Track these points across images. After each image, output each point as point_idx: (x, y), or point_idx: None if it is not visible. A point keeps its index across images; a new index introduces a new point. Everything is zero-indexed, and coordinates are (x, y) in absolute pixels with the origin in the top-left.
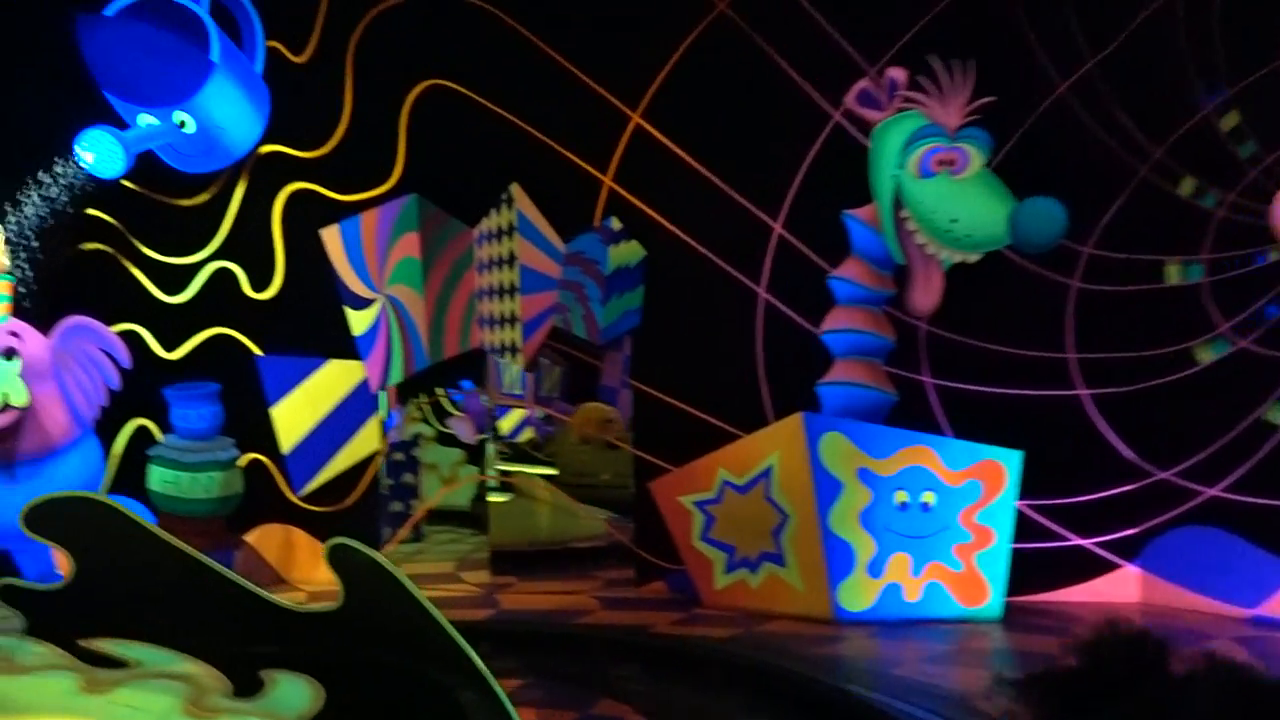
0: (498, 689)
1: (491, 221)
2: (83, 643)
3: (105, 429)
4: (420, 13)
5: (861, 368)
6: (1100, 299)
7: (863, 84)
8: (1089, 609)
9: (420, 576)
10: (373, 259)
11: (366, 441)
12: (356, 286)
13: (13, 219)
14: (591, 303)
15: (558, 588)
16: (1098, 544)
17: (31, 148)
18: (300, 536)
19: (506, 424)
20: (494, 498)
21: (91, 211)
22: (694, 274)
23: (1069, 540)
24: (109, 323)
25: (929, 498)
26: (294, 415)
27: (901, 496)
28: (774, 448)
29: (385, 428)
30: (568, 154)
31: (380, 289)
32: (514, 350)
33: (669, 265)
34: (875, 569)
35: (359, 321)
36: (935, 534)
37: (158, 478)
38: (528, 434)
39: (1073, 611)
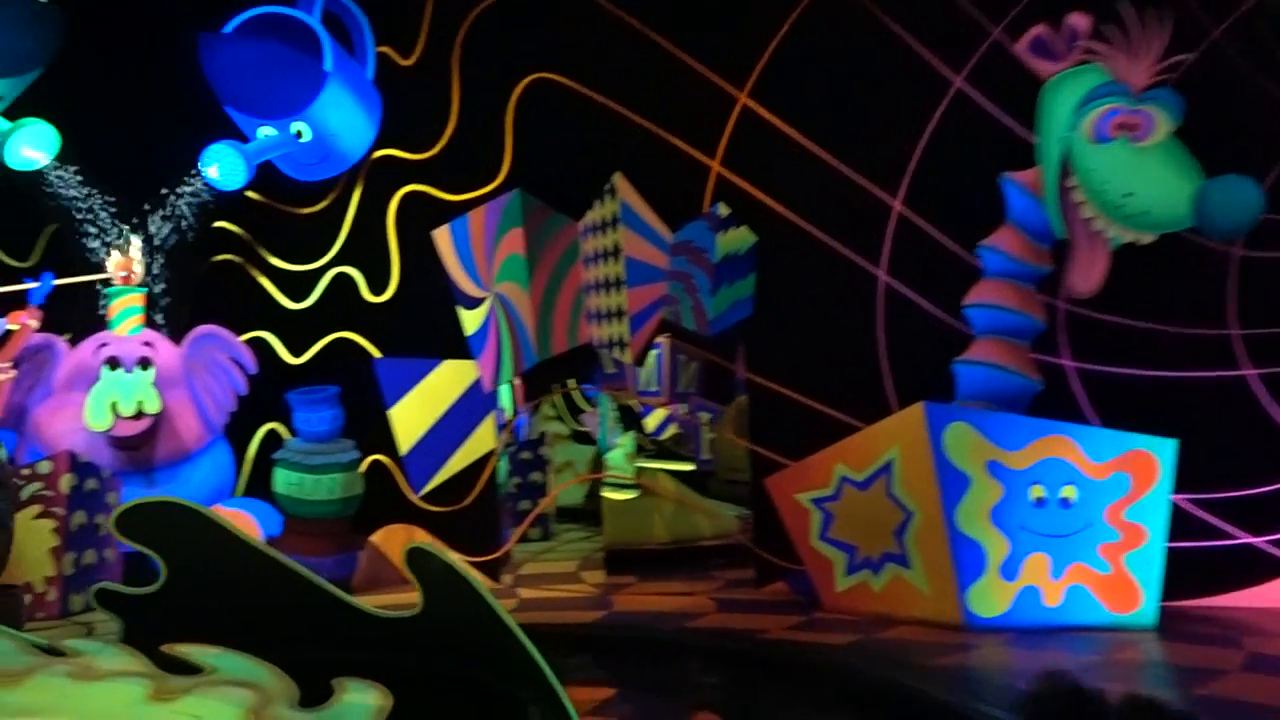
0: (567, 704)
1: (595, 214)
2: (165, 648)
3: (238, 434)
4: (522, 7)
5: (1005, 349)
6: (1267, 267)
7: (1038, 30)
8: (1259, 615)
9: (541, 576)
10: (481, 257)
11: (482, 441)
12: (467, 286)
13: (146, 235)
14: (700, 293)
15: (676, 589)
16: (1270, 542)
17: (161, 166)
18: (422, 537)
19: (651, 421)
20: (611, 494)
21: (219, 224)
22: (808, 258)
23: (1236, 538)
24: (239, 331)
25: (1069, 492)
26: (411, 416)
27: (1038, 492)
28: (894, 440)
29: (514, 426)
30: (673, 140)
31: (489, 287)
32: (622, 345)
33: (781, 250)
34: (1009, 571)
35: (471, 321)
36: (1077, 532)
37: (283, 480)
38: (672, 430)
39: (1240, 618)
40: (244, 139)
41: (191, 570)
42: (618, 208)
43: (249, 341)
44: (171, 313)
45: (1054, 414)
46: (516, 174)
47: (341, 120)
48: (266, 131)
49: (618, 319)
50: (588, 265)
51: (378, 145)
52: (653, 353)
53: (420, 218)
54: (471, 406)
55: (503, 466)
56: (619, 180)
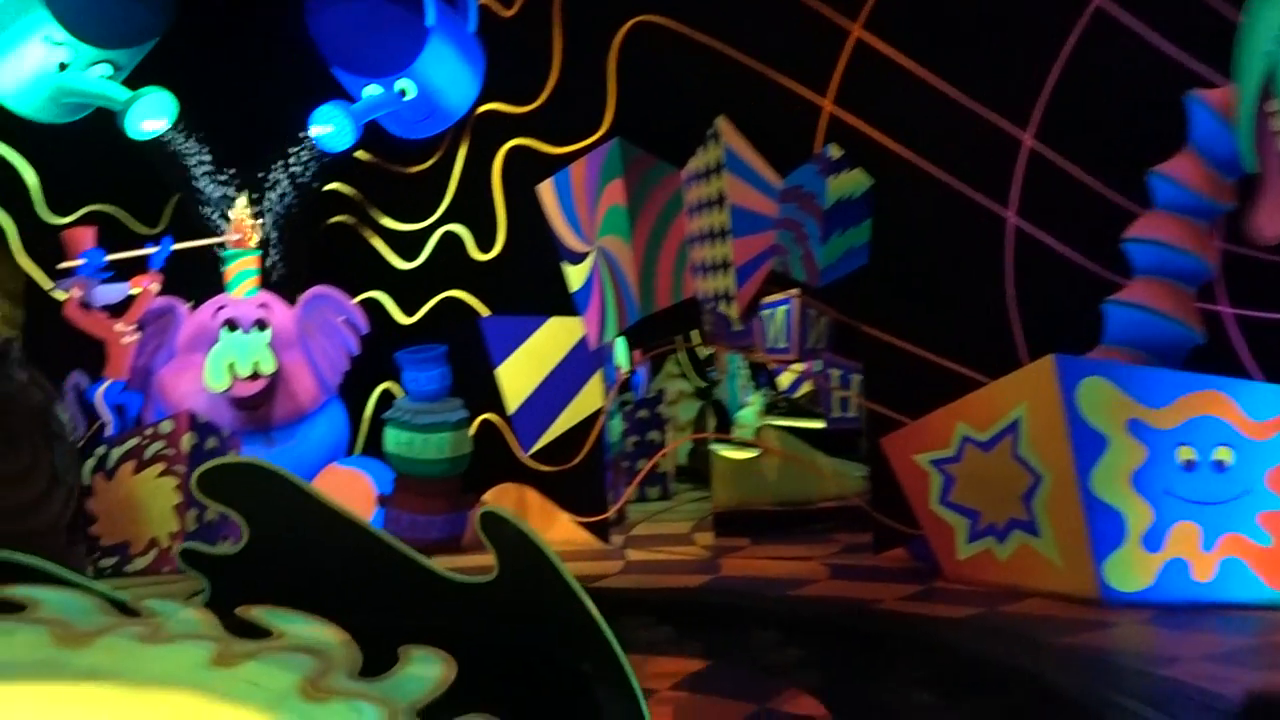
0: (633, 680)
1: (699, 160)
2: (239, 611)
3: (354, 393)
4: None
5: (1166, 292)
6: None
7: None
8: None
9: (653, 537)
10: (583, 210)
11: (590, 399)
12: (571, 240)
13: (261, 198)
14: (810, 241)
15: (789, 553)
16: None
17: (275, 130)
18: (533, 496)
19: (785, 379)
20: (729, 454)
21: (332, 186)
22: (929, 201)
23: None
24: (352, 291)
25: (1224, 455)
26: (518, 375)
27: (1186, 454)
28: (1021, 397)
29: (632, 383)
30: (782, 79)
31: (592, 241)
32: (728, 298)
33: (899, 193)
34: (1153, 541)
35: (575, 276)
36: (1234, 499)
37: (393, 439)
38: (806, 388)
39: None
40: (351, 100)
41: (274, 532)
42: (721, 153)
43: (362, 302)
44: (287, 275)
45: (1208, 367)
46: (620, 123)
47: (445, 76)
48: (372, 91)
49: (723, 271)
50: (691, 215)
51: (481, 100)
52: (781, 308)
53: (525, 172)
54: (578, 364)
55: (617, 424)
56: (722, 124)
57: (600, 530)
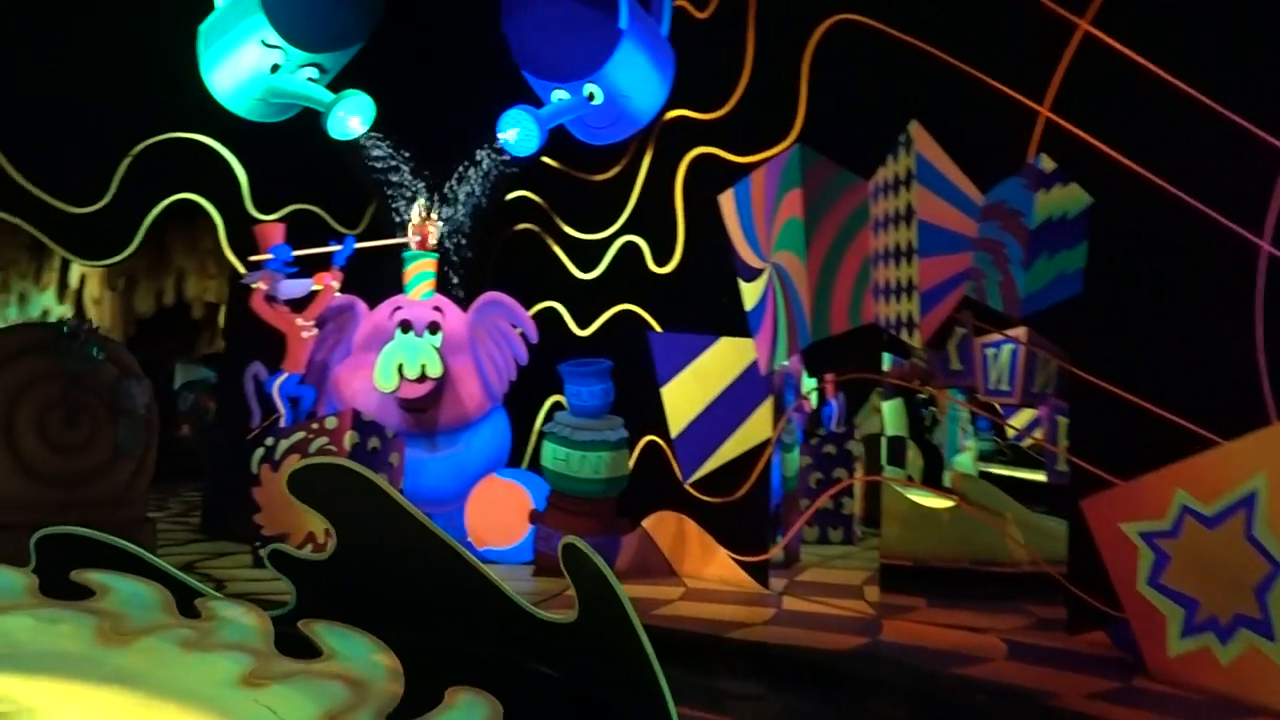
0: None
1: (887, 170)
2: (301, 624)
3: (524, 404)
4: None
5: None
6: None
7: None
8: None
9: (818, 586)
10: (761, 223)
11: (758, 428)
12: (747, 255)
13: (446, 200)
14: (1011, 265)
15: (966, 621)
16: None
17: (463, 134)
18: (691, 528)
19: (1016, 423)
20: (921, 500)
21: (518, 193)
22: (1161, 224)
23: None
24: (531, 300)
25: None
26: (683, 397)
27: None
28: (1261, 465)
29: (822, 415)
30: (993, 82)
31: (768, 256)
32: (910, 326)
33: (1126, 213)
34: None
35: (750, 294)
36: None
37: (550, 454)
38: (1038, 435)
39: None
40: (539, 105)
41: (362, 541)
42: (912, 163)
43: (540, 311)
44: (465, 279)
45: None
46: (810, 130)
47: (633, 81)
48: (560, 95)
49: (906, 295)
50: (876, 231)
51: (670, 105)
52: (1006, 347)
53: (709, 182)
54: (748, 389)
55: (795, 458)
56: (915, 130)
57: (759, 572)
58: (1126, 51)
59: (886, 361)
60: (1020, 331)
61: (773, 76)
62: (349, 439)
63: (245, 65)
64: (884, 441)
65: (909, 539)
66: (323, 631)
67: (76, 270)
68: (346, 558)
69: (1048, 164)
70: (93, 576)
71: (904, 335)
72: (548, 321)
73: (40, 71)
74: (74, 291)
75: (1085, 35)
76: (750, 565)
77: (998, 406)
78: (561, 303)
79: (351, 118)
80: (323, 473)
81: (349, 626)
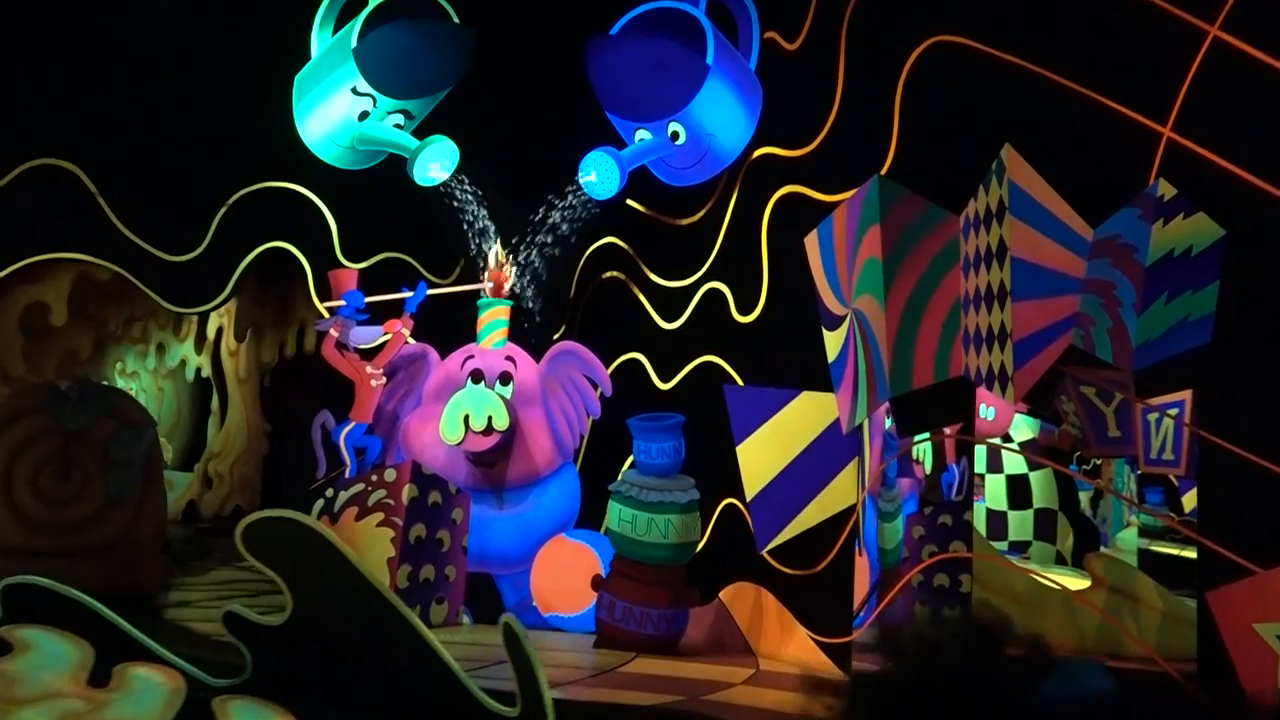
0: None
1: (978, 202)
2: (215, 704)
3: (600, 461)
4: None
5: None
6: None
7: None
8: None
9: None
10: (843, 265)
11: (841, 493)
12: (830, 301)
13: (526, 246)
14: (1122, 309)
15: None
16: None
17: (546, 178)
18: (770, 601)
19: (1192, 497)
20: (1049, 577)
21: (604, 240)
22: None
23: None
24: (616, 351)
25: None
26: (760, 456)
27: None
28: None
29: (941, 482)
30: (1106, 100)
31: (849, 302)
32: (1002, 379)
33: (1264, 249)
34: None
35: (832, 344)
36: None
37: (615, 515)
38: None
39: None
40: (621, 145)
41: (319, 605)
42: (1004, 193)
43: (623, 364)
44: (544, 328)
45: None
46: (903, 163)
47: (719, 118)
48: (642, 135)
49: (999, 343)
50: (966, 272)
51: (757, 143)
52: (1171, 411)
53: (796, 223)
54: (831, 449)
55: (897, 528)
56: (1009, 155)
57: (840, 655)
58: (1266, 59)
59: (1031, 427)
60: (1186, 394)
61: (864, 108)
62: (407, 493)
63: (335, 113)
64: (984, 511)
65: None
66: (233, 711)
67: (214, 321)
68: (302, 624)
69: (1167, 190)
70: (21, 634)
71: (995, 390)
72: (630, 374)
73: (142, 120)
74: (211, 343)
75: (1214, 42)
76: (830, 647)
77: (1173, 478)
78: (645, 354)
79: (434, 164)
80: (279, 528)
81: (266, 703)
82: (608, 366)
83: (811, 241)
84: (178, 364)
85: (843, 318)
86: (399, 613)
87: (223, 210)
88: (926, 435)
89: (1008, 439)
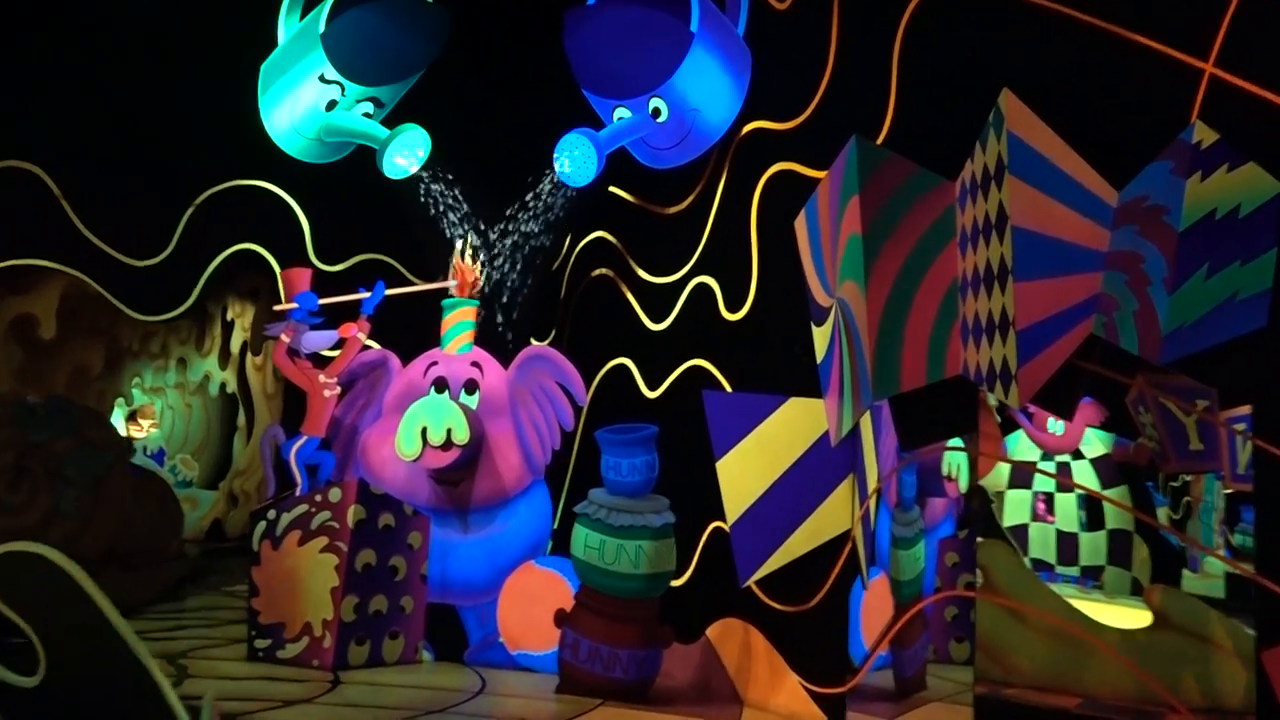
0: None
1: (974, 163)
2: None
3: (584, 480)
4: None
5: None
6: None
7: None
8: None
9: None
10: (827, 247)
11: (833, 516)
12: (817, 291)
13: (496, 240)
14: (1151, 287)
15: None
16: None
17: (520, 166)
18: (759, 642)
19: None
20: (1109, 611)
21: (597, 233)
22: None
23: None
24: (604, 356)
25: None
26: (743, 473)
27: None
28: None
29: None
30: (1131, 34)
31: (834, 290)
32: (1004, 378)
33: None
34: None
35: (819, 341)
36: None
37: (581, 541)
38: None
39: None
40: (601, 127)
41: (70, 656)
42: (1003, 148)
43: (611, 370)
44: (520, 330)
45: None
46: (900, 129)
47: (704, 91)
48: (622, 114)
49: (1000, 334)
50: (965, 248)
51: (746, 117)
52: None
53: (788, 205)
54: (821, 465)
55: (918, 554)
56: (1008, 102)
57: (832, 707)
58: None
59: (1104, 441)
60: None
61: (859, 69)
62: (353, 514)
63: (302, 103)
64: (1053, 534)
65: (1046, 659)
66: None
67: (238, 336)
68: (55, 681)
69: (1205, 136)
70: None
71: (997, 391)
72: (617, 382)
73: (102, 117)
74: (235, 358)
75: None
76: (822, 697)
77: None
78: (632, 359)
79: (404, 154)
80: (19, 563)
81: None
82: (596, 373)
83: (800, 224)
84: (201, 379)
85: (829, 309)
86: (144, 671)
87: (189, 211)
88: (960, 447)
89: (1078, 456)
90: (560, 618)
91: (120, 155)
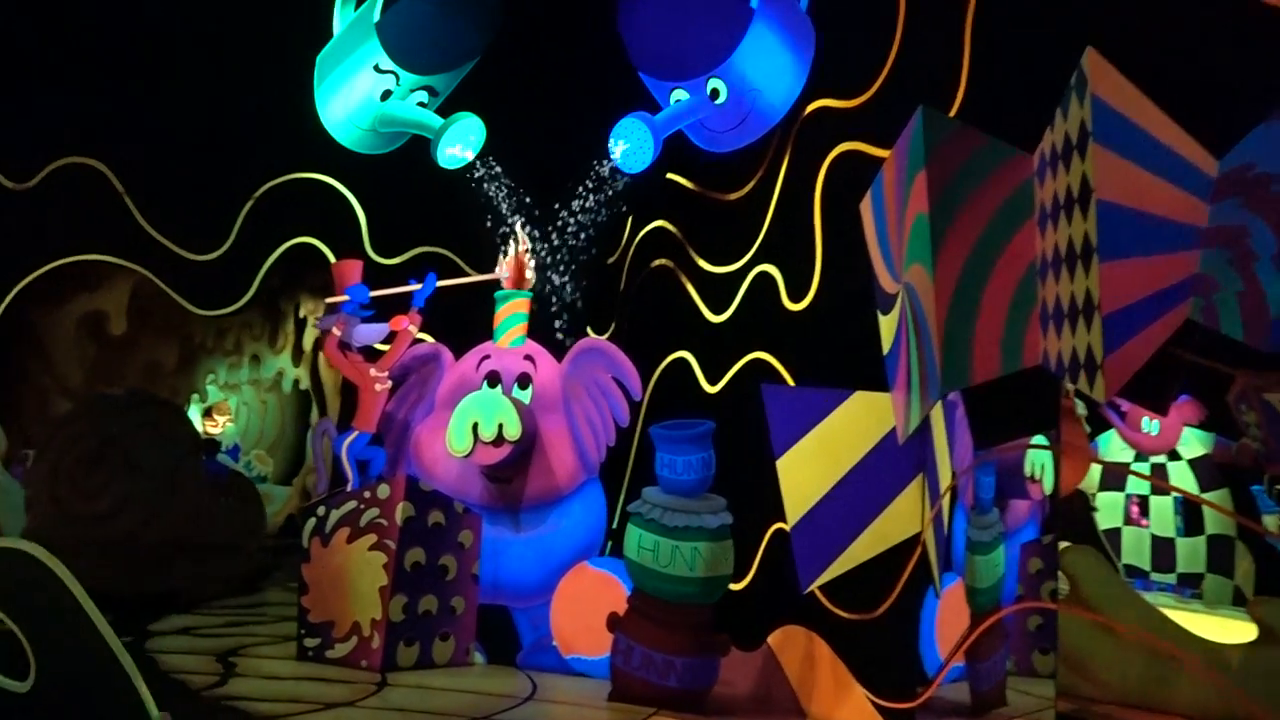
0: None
1: (1056, 131)
2: None
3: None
4: None
5: None
6: None
7: None
8: None
9: None
10: (893, 228)
11: (902, 519)
12: (883, 276)
13: (552, 231)
14: (1259, 264)
15: None
16: None
17: (576, 153)
18: (823, 651)
19: None
20: (1217, 623)
21: (657, 223)
22: None
23: None
24: (664, 351)
25: None
26: (804, 472)
27: None
28: None
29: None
30: None
31: (900, 275)
32: (1089, 369)
33: None
34: None
35: (886, 331)
36: None
37: (634, 542)
38: None
39: None
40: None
41: (58, 657)
42: (1087, 114)
43: (671, 364)
44: (574, 323)
45: None
46: (974, 100)
47: (765, 70)
48: (679, 97)
49: (1083, 320)
50: (1044, 227)
51: (810, 95)
52: None
53: (854, 188)
54: (888, 464)
55: (995, 561)
56: (1091, 62)
57: None
58: None
59: (1204, 441)
60: None
61: (930, 35)
62: (401, 511)
63: (358, 93)
64: (1148, 539)
65: (1146, 678)
66: None
67: (310, 334)
68: (45, 687)
69: None
70: None
71: (1080, 383)
72: (677, 376)
73: (164, 114)
74: (308, 355)
75: None
76: (890, 712)
77: None
78: (693, 352)
79: (459, 143)
80: (7, 561)
81: None
82: (655, 368)
83: (865, 206)
84: (275, 376)
85: (895, 296)
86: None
87: (248, 205)
88: (1045, 448)
89: (1175, 457)
90: (613, 622)
91: (180, 150)
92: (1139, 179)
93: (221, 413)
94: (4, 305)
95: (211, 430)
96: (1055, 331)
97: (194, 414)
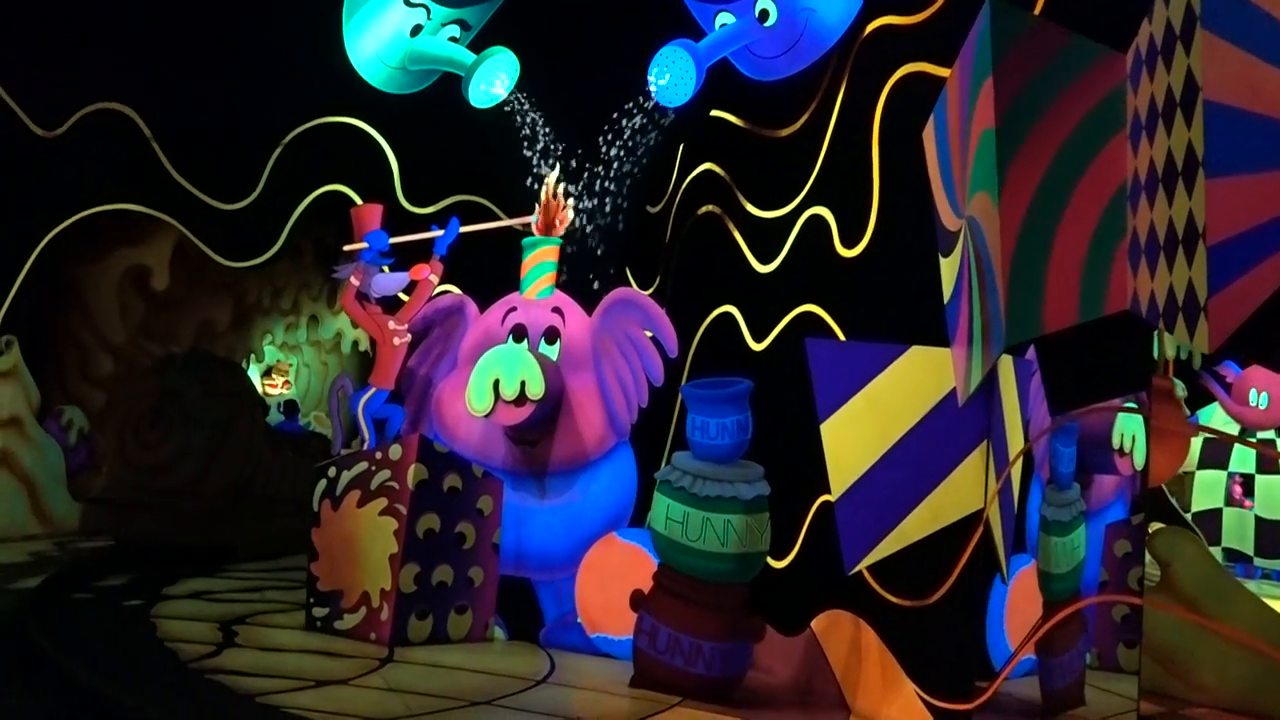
0: None
1: (1155, 23)
2: None
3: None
4: None
5: None
6: None
7: None
8: None
9: None
10: (956, 154)
11: (961, 494)
12: (944, 212)
13: (588, 172)
14: None
15: None
16: None
17: (612, 89)
18: (870, 640)
19: None
20: None
21: (703, 166)
22: None
23: None
24: (707, 304)
25: None
26: (851, 438)
27: None
28: None
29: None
30: None
31: (963, 208)
32: (1190, 314)
33: None
34: None
35: (947, 276)
36: None
37: (661, 512)
38: None
39: None
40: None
41: None
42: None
43: (716, 319)
44: (617, 276)
45: None
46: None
47: None
48: (725, 20)
49: (1184, 252)
50: (1137, 141)
51: (868, 14)
52: None
53: (918, 115)
54: (946, 429)
55: (1074, 544)
56: None
57: None
58: None
59: None
60: None
61: None
62: (413, 474)
63: (388, 28)
64: (1252, 520)
65: (1250, 678)
66: None
67: None
68: None
69: None
70: None
71: (1178, 331)
72: (721, 332)
73: (191, 57)
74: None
75: None
76: (943, 712)
77: None
78: (739, 306)
79: (494, 79)
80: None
81: None
82: (699, 324)
83: (929, 134)
84: (334, 337)
85: (958, 234)
86: None
87: (277, 151)
88: (1136, 413)
89: None
90: (636, 600)
91: (208, 94)
92: (1259, 75)
93: (281, 373)
94: (35, 255)
95: (271, 391)
96: (1148, 268)
97: (253, 374)
